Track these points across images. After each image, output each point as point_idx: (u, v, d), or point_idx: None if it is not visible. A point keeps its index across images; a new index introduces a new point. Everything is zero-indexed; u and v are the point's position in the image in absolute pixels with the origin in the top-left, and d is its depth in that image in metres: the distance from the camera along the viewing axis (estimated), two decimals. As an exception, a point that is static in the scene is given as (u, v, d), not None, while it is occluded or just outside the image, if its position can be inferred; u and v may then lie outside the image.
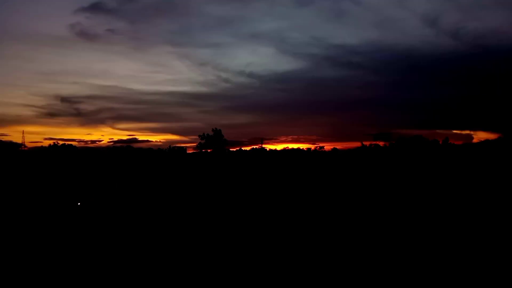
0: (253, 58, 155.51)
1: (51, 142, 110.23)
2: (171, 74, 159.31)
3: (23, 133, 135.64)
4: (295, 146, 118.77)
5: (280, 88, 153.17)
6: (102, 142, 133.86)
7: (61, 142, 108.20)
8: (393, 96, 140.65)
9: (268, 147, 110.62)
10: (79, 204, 17.71)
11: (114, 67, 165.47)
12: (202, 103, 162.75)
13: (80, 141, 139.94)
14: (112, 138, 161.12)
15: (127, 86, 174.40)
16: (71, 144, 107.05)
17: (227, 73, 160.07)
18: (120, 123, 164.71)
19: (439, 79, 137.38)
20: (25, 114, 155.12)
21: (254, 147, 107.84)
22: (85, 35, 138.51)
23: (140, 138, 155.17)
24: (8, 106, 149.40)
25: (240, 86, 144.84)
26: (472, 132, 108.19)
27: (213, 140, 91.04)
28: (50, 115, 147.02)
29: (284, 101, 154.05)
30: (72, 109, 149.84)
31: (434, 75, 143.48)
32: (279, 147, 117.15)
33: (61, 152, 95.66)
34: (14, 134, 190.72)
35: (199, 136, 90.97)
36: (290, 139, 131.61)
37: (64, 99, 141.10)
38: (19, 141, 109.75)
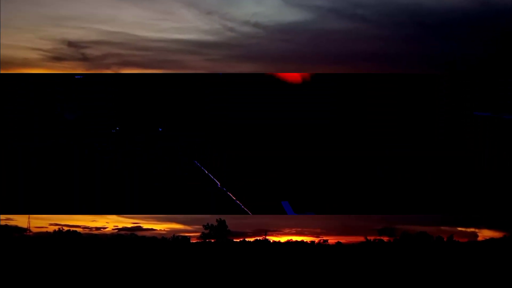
0: (259, 8, 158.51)
1: (56, 228, 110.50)
2: (178, 22, 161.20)
3: (28, 218, 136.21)
4: (299, 238, 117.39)
5: (284, 39, 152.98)
6: (107, 229, 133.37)
7: (66, 228, 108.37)
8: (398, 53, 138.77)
9: (272, 238, 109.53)
10: None
11: (121, 14, 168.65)
12: (207, 52, 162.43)
13: (85, 227, 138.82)
14: (117, 226, 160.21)
15: (134, 32, 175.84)
16: (75, 231, 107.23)
17: (233, 23, 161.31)
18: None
19: (444, 35, 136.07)
20: (32, 57, 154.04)
21: (258, 238, 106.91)
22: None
23: (145, 226, 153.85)
24: (15, 49, 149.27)
25: (245, 36, 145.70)
26: (477, 230, 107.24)
27: (217, 230, 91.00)
28: (56, 59, 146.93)
29: (288, 53, 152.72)
30: (78, 54, 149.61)
31: (439, 30, 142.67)
32: (283, 239, 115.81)
33: (66, 238, 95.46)
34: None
35: (203, 226, 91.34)
36: (294, 231, 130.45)
37: (71, 44, 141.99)
38: (25, 225, 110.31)
